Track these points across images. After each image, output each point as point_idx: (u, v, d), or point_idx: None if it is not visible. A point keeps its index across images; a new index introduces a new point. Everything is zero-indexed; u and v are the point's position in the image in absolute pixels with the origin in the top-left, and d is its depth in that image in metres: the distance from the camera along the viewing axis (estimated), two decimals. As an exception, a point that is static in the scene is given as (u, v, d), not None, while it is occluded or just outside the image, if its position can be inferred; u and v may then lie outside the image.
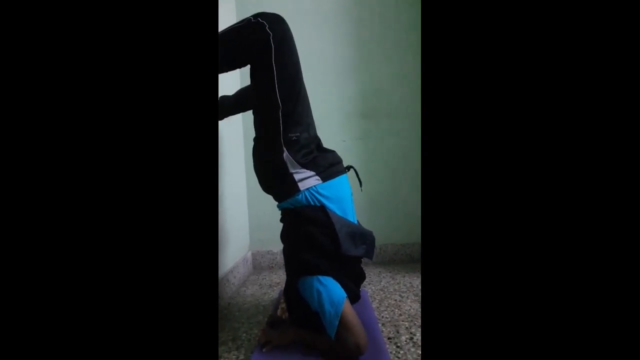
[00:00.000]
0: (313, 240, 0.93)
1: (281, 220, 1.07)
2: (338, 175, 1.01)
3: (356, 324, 0.88)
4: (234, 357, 0.96)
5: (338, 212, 0.97)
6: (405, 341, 0.98)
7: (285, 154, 0.95)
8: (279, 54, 0.90)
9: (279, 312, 1.17)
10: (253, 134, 1.79)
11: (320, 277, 0.91)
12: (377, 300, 1.30)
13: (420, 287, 1.43)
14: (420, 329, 1.05)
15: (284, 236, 1.05)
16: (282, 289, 1.48)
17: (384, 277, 1.57)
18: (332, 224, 0.93)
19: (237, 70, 1.12)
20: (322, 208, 0.96)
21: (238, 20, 0.96)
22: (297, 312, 0.99)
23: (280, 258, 1.84)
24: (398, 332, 1.03)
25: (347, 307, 0.88)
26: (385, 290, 1.41)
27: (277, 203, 1.05)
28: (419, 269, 1.66)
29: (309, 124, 1.01)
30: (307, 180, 0.96)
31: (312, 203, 0.96)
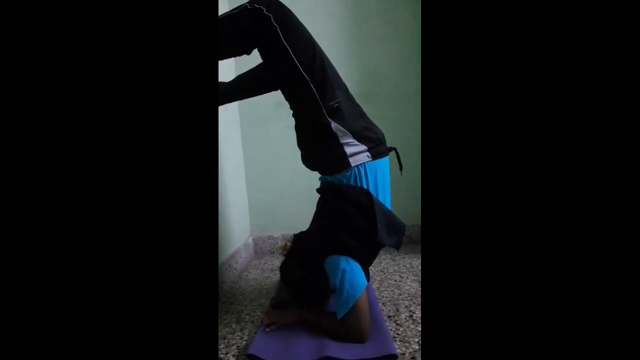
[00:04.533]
0: (351, 222, 0.94)
1: (318, 191, 1.08)
2: (384, 156, 0.99)
3: (366, 314, 0.90)
4: (237, 337, 0.99)
5: (379, 197, 0.96)
6: (405, 319, 1.01)
7: (334, 124, 0.93)
8: (285, 31, 0.89)
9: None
10: (249, 120, 1.82)
11: (350, 259, 0.93)
12: (377, 281, 1.33)
13: (419, 267, 1.46)
14: (419, 307, 1.08)
15: (320, 208, 1.06)
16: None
17: (384, 258, 1.60)
18: (374, 210, 0.93)
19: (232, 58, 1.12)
20: (367, 192, 0.95)
21: (231, 8, 0.92)
22: (309, 286, 1.05)
23: (281, 243, 1.87)
24: (398, 311, 1.06)
25: (364, 295, 0.90)
26: (386, 271, 1.44)
27: (319, 176, 1.06)
28: (419, 250, 1.69)
29: (346, 87, 0.99)
30: (357, 155, 0.95)
31: (358, 183, 0.96)
